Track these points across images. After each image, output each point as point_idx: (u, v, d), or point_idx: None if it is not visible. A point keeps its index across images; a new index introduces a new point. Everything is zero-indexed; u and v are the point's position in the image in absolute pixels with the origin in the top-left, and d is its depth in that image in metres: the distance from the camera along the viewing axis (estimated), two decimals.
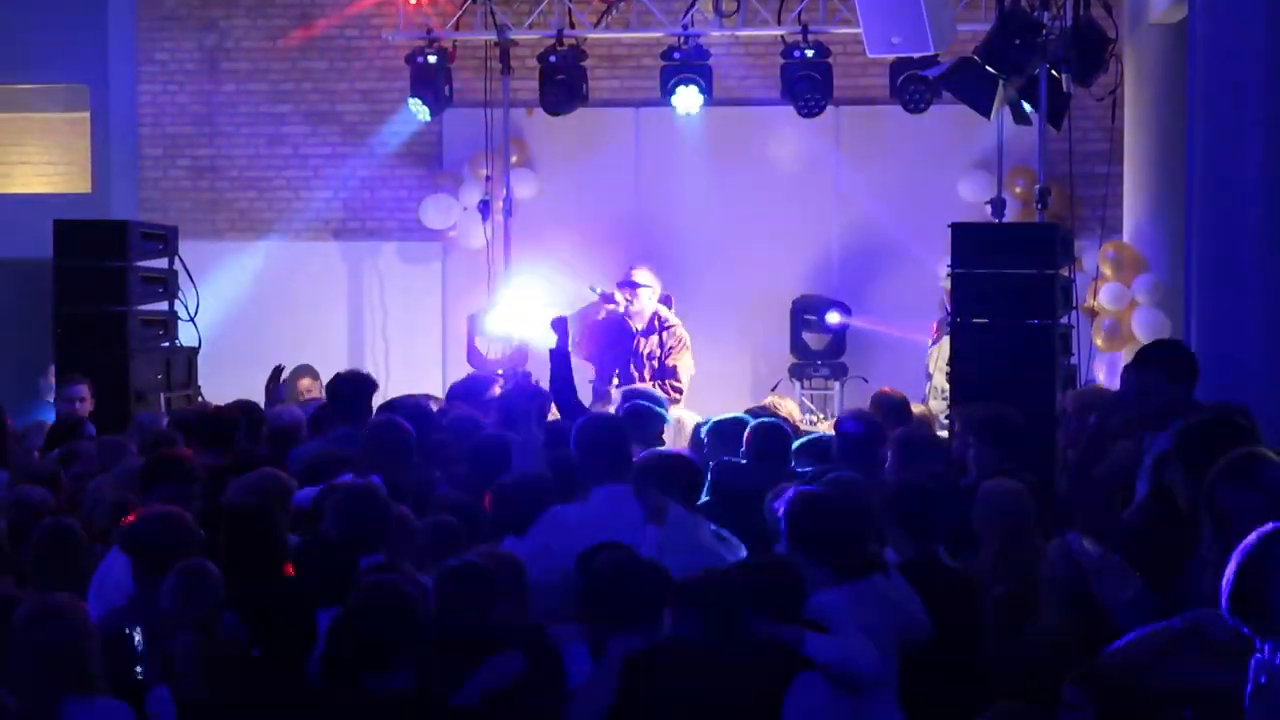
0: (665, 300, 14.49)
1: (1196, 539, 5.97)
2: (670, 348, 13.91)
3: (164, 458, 8.51)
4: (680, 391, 13.63)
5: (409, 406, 10.13)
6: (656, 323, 14.04)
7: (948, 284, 14.39)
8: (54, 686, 5.88)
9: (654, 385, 13.37)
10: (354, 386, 10.32)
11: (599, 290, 14.33)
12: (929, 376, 14.47)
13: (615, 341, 14.03)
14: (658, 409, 10.04)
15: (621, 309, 14.03)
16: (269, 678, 6.13)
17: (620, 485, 7.83)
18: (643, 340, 13.98)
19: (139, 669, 6.24)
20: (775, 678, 6.24)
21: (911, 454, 9.03)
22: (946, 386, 13.70)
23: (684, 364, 13.85)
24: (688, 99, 15.27)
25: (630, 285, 14.03)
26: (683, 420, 11.31)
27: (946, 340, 13.95)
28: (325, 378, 15.00)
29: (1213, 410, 7.12)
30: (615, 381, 13.60)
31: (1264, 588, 4.51)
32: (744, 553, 7.57)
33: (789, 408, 11.70)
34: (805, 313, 15.57)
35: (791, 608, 6.48)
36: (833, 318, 15.41)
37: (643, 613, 6.41)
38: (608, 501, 7.75)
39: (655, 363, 13.91)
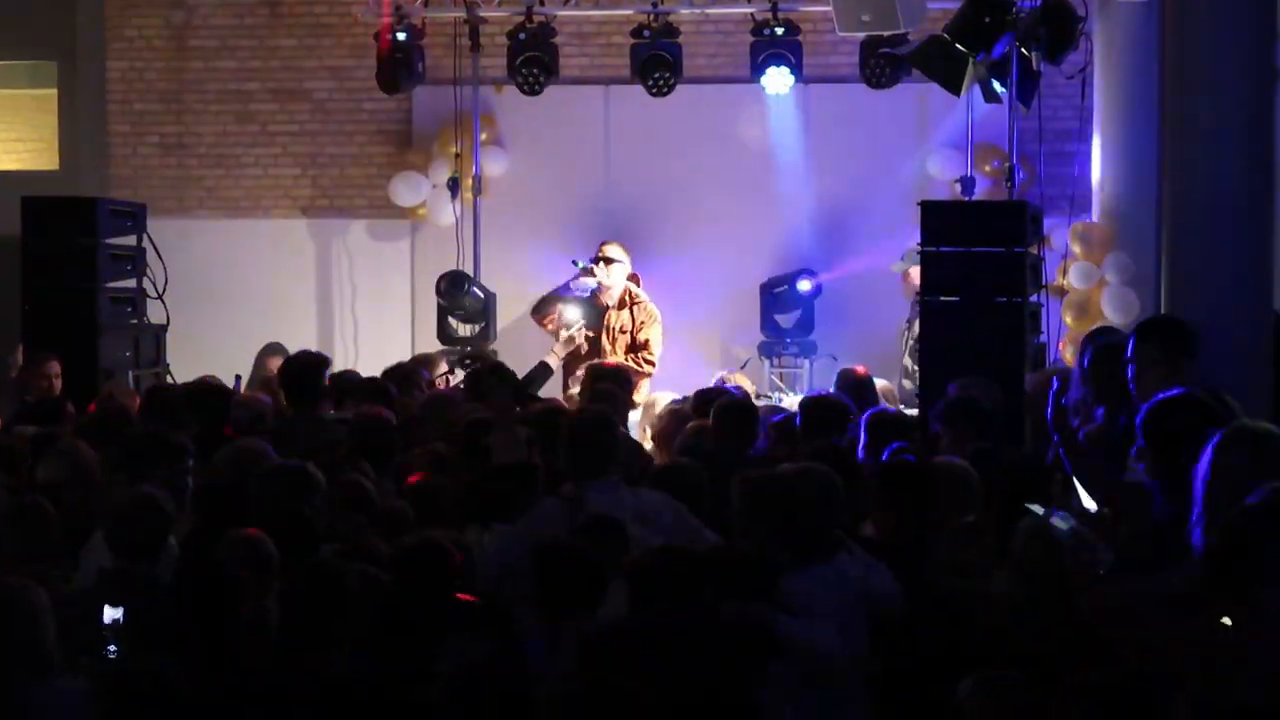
0: (632, 278, 14.55)
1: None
2: (641, 322, 14.08)
3: (155, 438, 8.46)
4: (652, 364, 13.77)
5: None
6: (627, 297, 14.18)
7: (902, 267, 14.54)
8: (14, 673, 5.87)
9: (627, 358, 13.45)
10: (301, 367, 10.36)
11: (582, 264, 14.37)
12: (903, 354, 14.53)
13: (590, 315, 14.12)
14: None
15: (595, 283, 14.12)
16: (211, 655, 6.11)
17: (610, 481, 7.89)
18: (614, 314, 14.05)
19: (111, 648, 6.22)
20: (743, 660, 6.23)
21: (881, 434, 9.05)
22: (915, 367, 13.82)
23: (654, 337, 14.01)
24: (660, 81, 15.26)
25: (604, 261, 14.12)
26: (654, 400, 11.31)
27: (915, 320, 14.06)
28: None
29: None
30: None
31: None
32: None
33: (740, 382, 11.76)
34: (775, 287, 15.57)
35: (765, 592, 6.50)
36: (803, 285, 15.41)
37: (581, 594, 6.46)
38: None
39: (627, 337, 14.01)
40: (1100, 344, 9.22)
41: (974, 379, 10.07)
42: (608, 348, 14.00)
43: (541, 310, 14.63)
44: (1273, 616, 4.51)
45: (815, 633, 6.49)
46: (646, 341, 13.94)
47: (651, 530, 7.48)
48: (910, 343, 14.12)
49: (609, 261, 14.20)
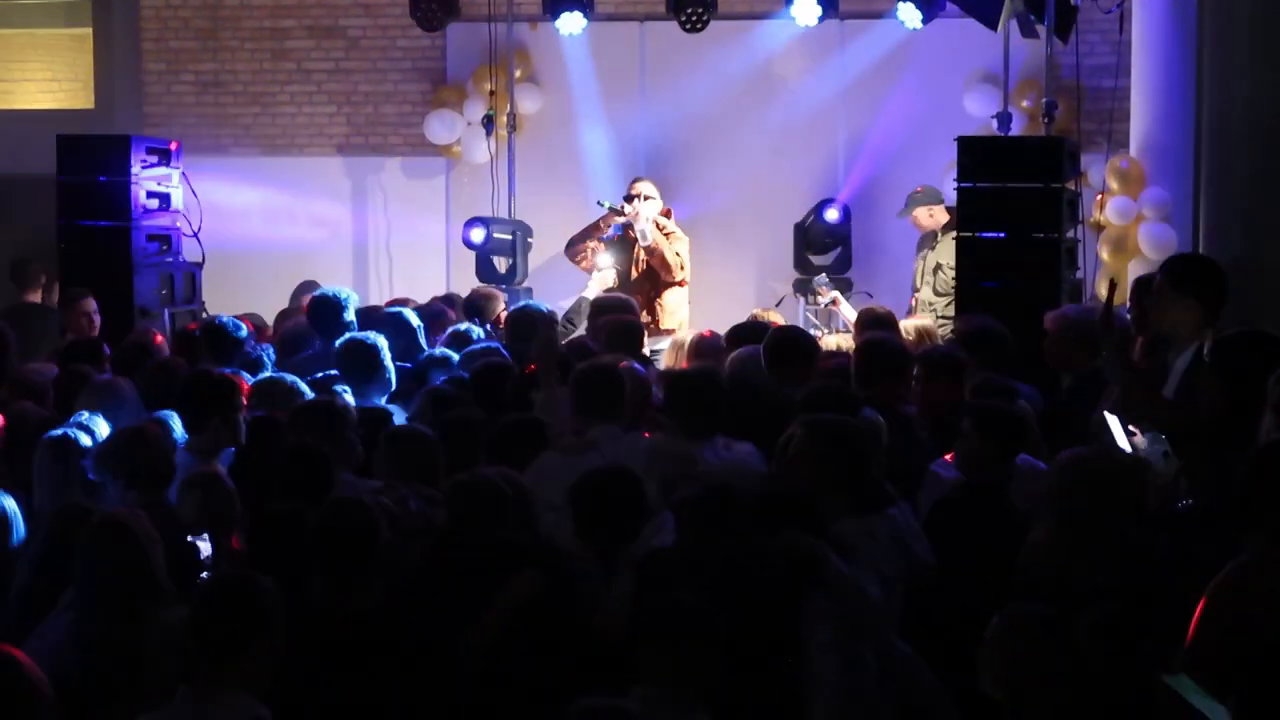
0: (665, 213, 14.53)
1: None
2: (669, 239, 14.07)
3: (211, 382, 8.42)
4: (683, 269, 13.83)
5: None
6: (657, 229, 14.13)
7: (905, 214, 14.52)
8: (127, 600, 5.88)
9: (643, 299, 13.50)
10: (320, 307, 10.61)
11: (607, 205, 14.34)
12: (914, 289, 14.48)
13: (619, 254, 14.12)
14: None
15: (624, 221, 14.10)
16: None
17: (615, 424, 7.95)
18: (644, 251, 14.03)
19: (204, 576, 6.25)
20: (792, 589, 6.22)
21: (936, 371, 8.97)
22: (934, 299, 13.80)
23: (683, 250, 14.12)
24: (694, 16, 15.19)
25: (639, 197, 14.12)
26: (681, 341, 11.27)
27: (930, 254, 14.03)
28: None
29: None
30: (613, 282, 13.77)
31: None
32: None
33: (774, 318, 11.72)
34: (805, 223, 15.52)
35: (814, 533, 6.49)
36: (831, 214, 15.34)
37: (633, 521, 6.50)
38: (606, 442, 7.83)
39: (650, 270, 14.04)
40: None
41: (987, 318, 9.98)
42: (633, 279, 14.06)
43: (573, 248, 14.62)
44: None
45: (862, 576, 6.48)
46: (676, 253, 13.98)
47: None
48: (926, 275, 14.12)
49: (644, 198, 14.20)
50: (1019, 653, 5.33)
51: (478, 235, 14.81)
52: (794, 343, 9.17)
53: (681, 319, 13.94)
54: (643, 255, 14.06)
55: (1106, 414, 7.43)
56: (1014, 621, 5.38)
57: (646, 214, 13.98)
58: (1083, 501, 6.30)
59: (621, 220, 14.21)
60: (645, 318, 13.41)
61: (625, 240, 14.23)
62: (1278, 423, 5.70)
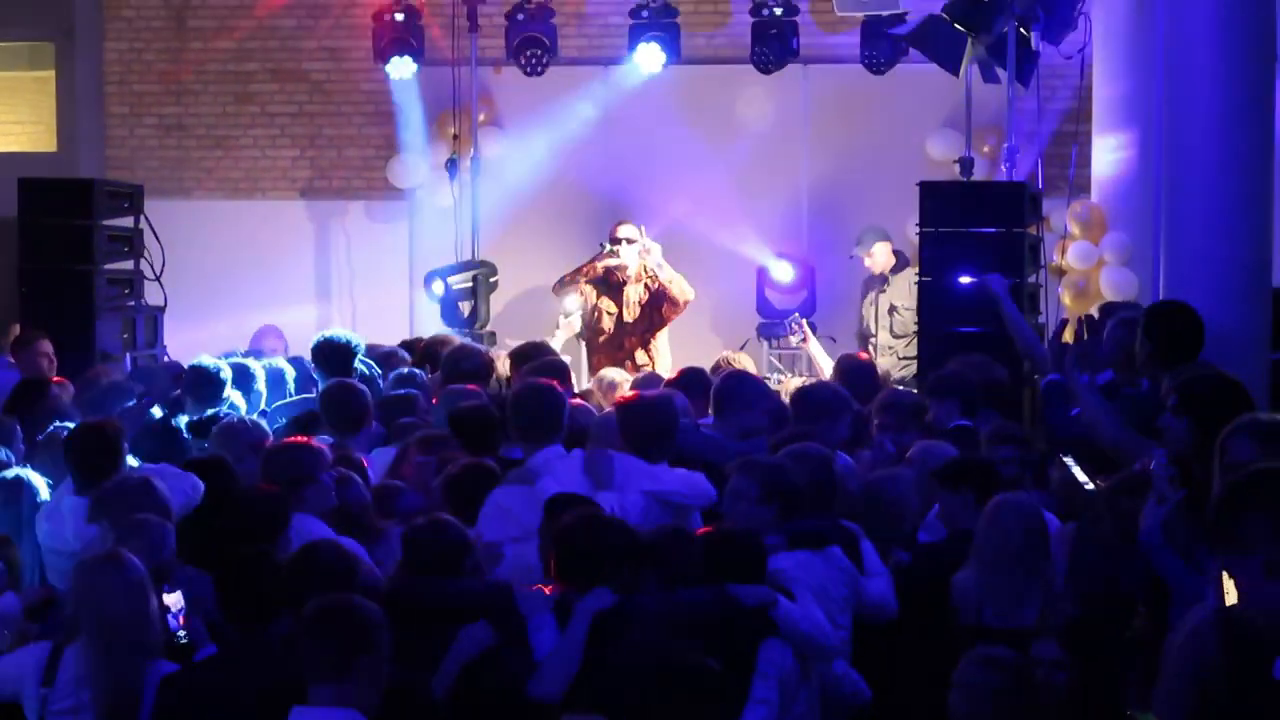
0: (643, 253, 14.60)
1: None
2: (658, 289, 14.11)
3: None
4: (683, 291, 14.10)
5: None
6: (644, 273, 14.18)
7: (862, 251, 14.60)
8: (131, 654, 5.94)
9: (638, 340, 13.56)
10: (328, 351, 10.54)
11: (608, 247, 14.39)
12: (870, 334, 14.56)
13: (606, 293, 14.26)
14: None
15: (615, 261, 14.14)
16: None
17: (554, 446, 7.95)
18: (631, 289, 14.07)
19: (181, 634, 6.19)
20: (744, 639, 6.23)
21: (899, 417, 9.04)
22: (893, 342, 13.88)
23: (676, 283, 14.27)
24: (651, 58, 15.29)
25: (625, 241, 14.17)
26: (617, 382, 11.28)
27: (881, 295, 14.13)
28: (290, 337, 15.06)
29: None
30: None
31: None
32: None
33: (744, 363, 11.72)
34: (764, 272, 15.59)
35: (755, 573, 6.51)
36: (781, 273, 15.37)
37: (611, 570, 6.40)
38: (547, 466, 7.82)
39: (646, 312, 14.06)
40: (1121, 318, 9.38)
41: (976, 358, 10.06)
42: (629, 321, 14.13)
43: (563, 286, 14.61)
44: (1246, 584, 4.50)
45: (809, 615, 6.49)
46: (671, 280, 14.07)
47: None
48: (881, 317, 14.23)
49: (629, 241, 14.23)
50: (983, 697, 5.33)
51: (437, 289, 14.87)
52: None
53: (669, 362, 13.96)
54: (634, 297, 14.08)
55: (1064, 457, 7.48)
56: (978, 664, 5.38)
57: (655, 257, 14.10)
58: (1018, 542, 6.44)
59: (614, 263, 14.22)
60: (642, 358, 13.49)
61: (612, 284, 14.26)
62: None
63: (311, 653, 5.30)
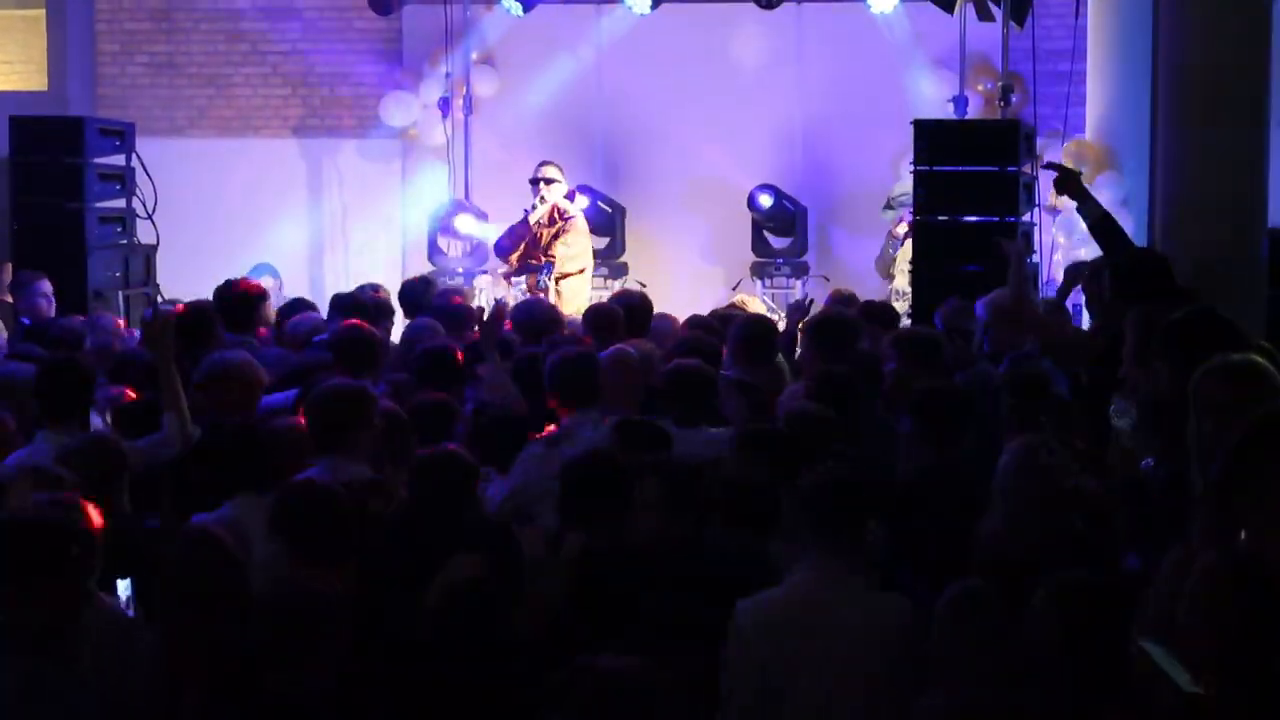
0: (570, 195, 14.41)
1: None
2: (557, 233, 13.83)
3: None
4: (551, 259, 13.60)
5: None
6: (556, 214, 13.93)
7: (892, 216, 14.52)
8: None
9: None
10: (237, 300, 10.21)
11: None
12: (890, 277, 14.49)
13: (522, 235, 14.07)
14: None
15: (539, 205, 13.90)
16: None
17: (592, 410, 7.89)
18: (545, 232, 13.85)
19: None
20: (734, 588, 6.20)
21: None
22: (909, 289, 13.80)
23: (570, 240, 13.91)
24: None
25: (543, 181, 13.93)
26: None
27: (909, 243, 14.03)
28: (285, 276, 15.04)
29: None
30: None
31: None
32: None
33: (756, 305, 11.69)
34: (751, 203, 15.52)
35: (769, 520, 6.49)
36: (763, 200, 15.35)
37: (604, 508, 6.41)
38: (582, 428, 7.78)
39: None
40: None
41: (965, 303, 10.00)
42: (530, 262, 13.78)
43: (506, 256, 14.28)
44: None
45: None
46: (550, 249, 13.79)
47: None
48: (902, 264, 14.12)
49: (549, 182, 14.01)
50: (965, 626, 5.32)
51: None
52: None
53: (580, 304, 13.59)
54: (546, 237, 13.83)
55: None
56: (959, 599, 5.37)
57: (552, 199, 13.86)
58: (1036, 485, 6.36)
59: (541, 211, 13.92)
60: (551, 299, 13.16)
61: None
62: (1202, 424, 5.63)
63: None
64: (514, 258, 14.03)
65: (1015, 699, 5.16)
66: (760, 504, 6.49)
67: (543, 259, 13.72)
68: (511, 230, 14.13)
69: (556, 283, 13.66)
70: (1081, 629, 5.12)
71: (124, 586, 5.95)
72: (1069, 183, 9.39)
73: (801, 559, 5.86)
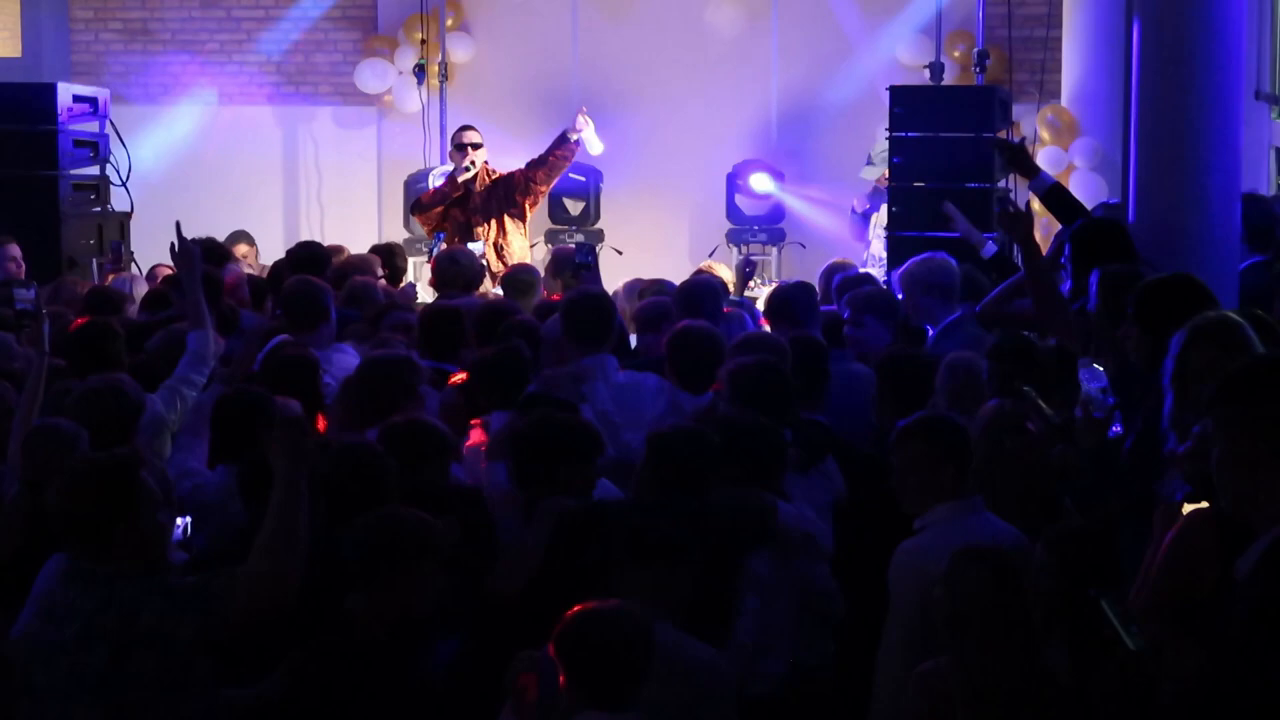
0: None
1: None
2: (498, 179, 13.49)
3: None
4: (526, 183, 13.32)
5: None
6: (487, 174, 13.54)
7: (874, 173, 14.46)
8: None
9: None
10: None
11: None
12: (866, 244, 14.48)
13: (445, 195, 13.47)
14: None
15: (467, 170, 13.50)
16: None
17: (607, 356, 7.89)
18: (492, 203, 13.42)
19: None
20: (725, 547, 6.19)
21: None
22: (884, 254, 13.78)
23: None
24: None
25: (472, 146, 13.50)
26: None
27: (885, 207, 14.00)
28: (260, 243, 15.00)
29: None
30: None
31: None
32: None
33: (721, 272, 11.67)
34: (739, 178, 15.52)
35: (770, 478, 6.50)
36: (760, 183, 15.32)
37: (574, 473, 6.40)
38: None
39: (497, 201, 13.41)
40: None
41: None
42: (481, 232, 13.39)
43: (427, 212, 13.94)
44: None
45: (804, 513, 6.52)
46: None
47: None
48: (878, 230, 14.09)
49: (476, 147, 13.63)
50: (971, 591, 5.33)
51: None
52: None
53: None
54: (479, 201, 13.43)
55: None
56: (965, 560, 5.38)
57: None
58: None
59: (470, 174, 13.51)
60: (496, 265, 12.85)
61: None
62: (1180, 385, 5.64)
63: None
64: (435, 213, 13.57)
65: (1018, 663, 5.19)
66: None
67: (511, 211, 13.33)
68: (437, 190, 13.72)
69: (503, 242, 13.27)
70: (1077, 573, 5.20)
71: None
72: (1017, 159, 9.43)
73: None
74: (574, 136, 13.09)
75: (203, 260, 8.83)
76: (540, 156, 13.13)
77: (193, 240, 8.76)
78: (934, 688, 5.24)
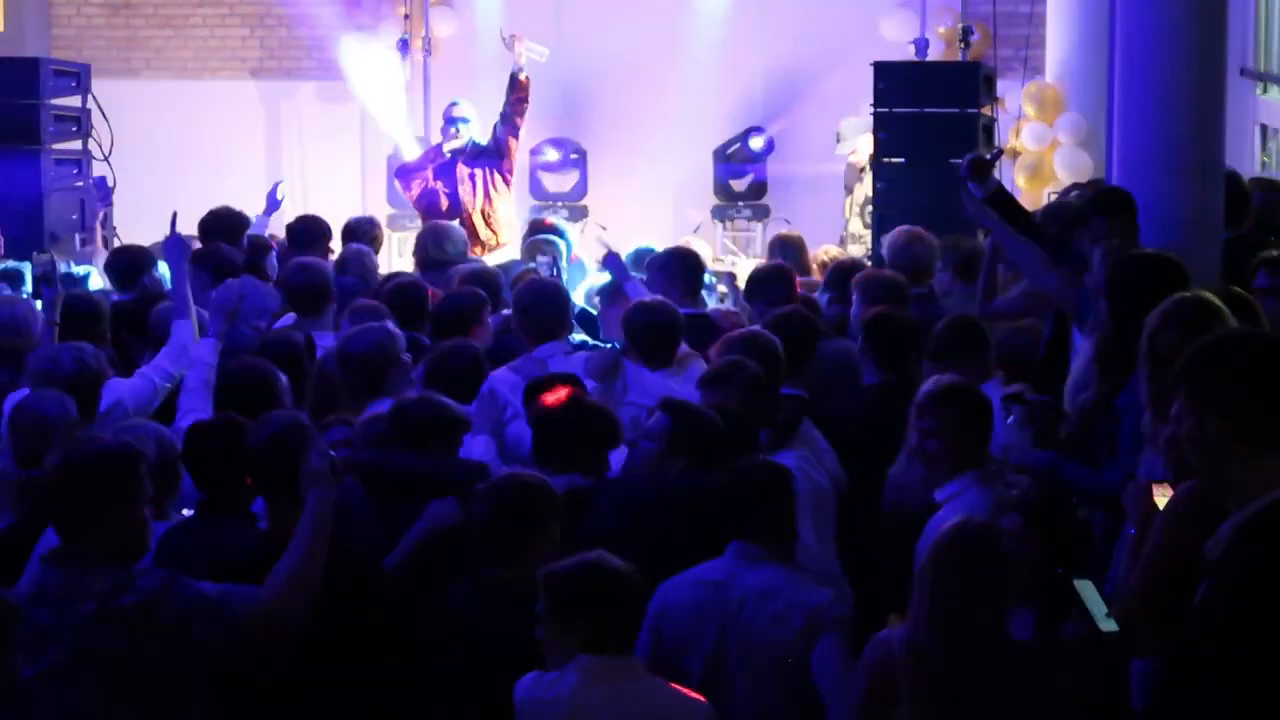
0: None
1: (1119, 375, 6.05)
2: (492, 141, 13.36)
3: None
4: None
5: None
6: (472, 150, 13.43)
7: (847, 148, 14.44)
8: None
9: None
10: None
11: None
12: (845, 221, 14.49)
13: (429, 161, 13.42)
14: None
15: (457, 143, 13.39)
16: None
17: (561, 342, 7.89)
18: (477, 171, 13.30)
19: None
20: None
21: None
22: (863, 232, 13.79)
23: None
24: None
25: (463, 120, 13.40)
26: None
27: (859, 187, 14.01)
28: None
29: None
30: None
31: None
32: None
33: (700, 247, 11.65)
34: (728, 148, 15.51)
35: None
36: (755, 142, 15.34)
37: (587, 453, 6.42)
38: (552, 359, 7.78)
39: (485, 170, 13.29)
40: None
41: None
42: (468, 200, 13.25)
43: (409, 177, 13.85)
44: None
45: (813, 473, 6.55)
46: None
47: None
48: (855, 208, 14.09)
49: (465, 120, 13.49)
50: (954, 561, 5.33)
51: None
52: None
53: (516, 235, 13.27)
54: (464, 172, 13.26)
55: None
56: (948, 531, 5.37)
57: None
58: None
59: (458, 144, 13.38)
60: (486, 234, 12.77)
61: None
62: (1153, 373, 5.64)
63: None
64: (415, 184, 13.48)
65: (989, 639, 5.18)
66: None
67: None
68: (422, 155, 13.62)
69: (491, 212, 13.15)
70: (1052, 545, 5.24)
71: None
72: (980, 169, 9.36)
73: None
74: (522, 76, 13.04)
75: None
76: (502, 113, 13.06)
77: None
78: (885, 658, 5.22)
